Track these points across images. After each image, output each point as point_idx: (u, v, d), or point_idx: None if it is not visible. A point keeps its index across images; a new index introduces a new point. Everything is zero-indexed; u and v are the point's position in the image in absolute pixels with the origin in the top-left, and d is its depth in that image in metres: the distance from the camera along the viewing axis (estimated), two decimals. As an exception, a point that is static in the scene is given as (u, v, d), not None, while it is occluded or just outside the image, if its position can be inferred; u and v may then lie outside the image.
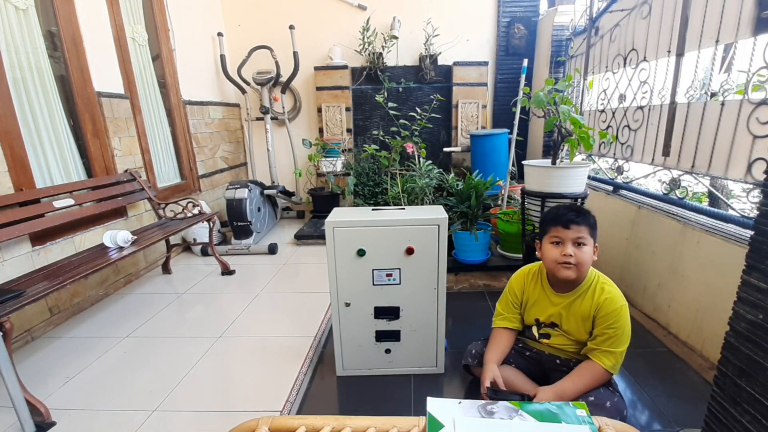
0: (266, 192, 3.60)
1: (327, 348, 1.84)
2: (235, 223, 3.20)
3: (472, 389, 1.53)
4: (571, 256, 1.20)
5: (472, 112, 3.96)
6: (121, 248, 2.06)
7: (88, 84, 2.37)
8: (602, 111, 2.60)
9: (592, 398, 1.18)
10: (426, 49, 3.85)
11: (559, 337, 1.33)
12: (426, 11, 3.87)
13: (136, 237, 2.19)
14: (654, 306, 1.92)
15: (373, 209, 1.60)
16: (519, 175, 3.41)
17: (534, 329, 1.38)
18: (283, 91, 3.89)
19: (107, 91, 2.48)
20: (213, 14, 3.91)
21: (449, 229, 2.09)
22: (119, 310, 2.22)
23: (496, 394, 1.20)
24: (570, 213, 1.24)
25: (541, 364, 1.40)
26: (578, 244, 1.22)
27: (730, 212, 1.66)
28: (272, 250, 3.11)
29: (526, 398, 1.18)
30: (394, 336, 1.59)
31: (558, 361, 1.36)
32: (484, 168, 3.20)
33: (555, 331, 1.33)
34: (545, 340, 1.36)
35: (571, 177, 1.87)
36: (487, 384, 1.24)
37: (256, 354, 1.77)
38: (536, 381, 1.35)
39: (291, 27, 3.57)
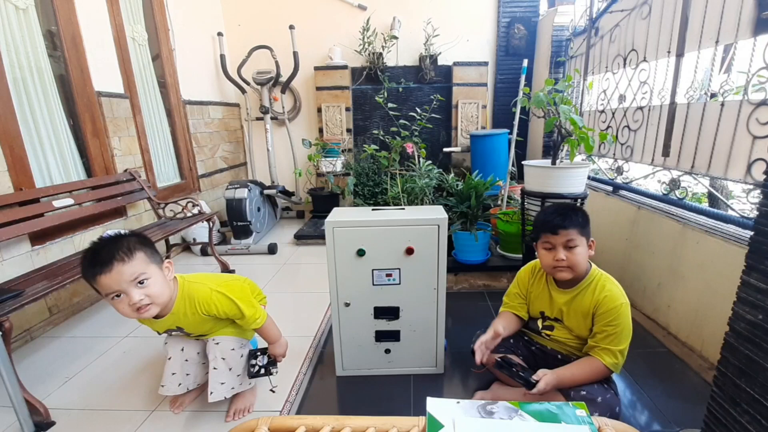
0: (266, 192, 3.60)
1: (327, 348, 1.84)
2: (234, 222, 3.20)
3: (471, 390, 1.53)
4: (563, 260, 1.23)
5: (472, 112, 3.96)
6: (120, 248, 2.06)
7: (88, 84, 2.37)
8: (602, 111, 2.60)
9: (584, 392, 1.19)
10: (426, 49, 3.85)
11: (562, 330, 1.35)
12: (426, 11, 3.87)
13: (135, 237, 2.19)
14: (654, 306, 1.93)
15: (372, 209, 1.60)
16: (519, 176, 3.41)
17: (539, 322, 1.40)
18: (283, 91, 3.89)
19: (107, 91, 2.48)
20: (213, 14, 3.91)
21: (449, 229, 2.09)
22: (119, 310, 2.22)
23: (502, 368, 1.25)
24: (557, 218, 1.24)
25: (545, 358, 1.41)
26: (569, 247, 1.24)
27: (730, 213, 1.66)
28: (272, 250, 3.11)
29: (528, 374, 1.22)
30: (393, 336, 1.59)
31: (560, 357, 1.38)
32: (484, 168, 3.20)
33: (558, 325, 1.36)
34: (548, 332, 1.38)
35: (571, 177, 1.88)
36: (489, 337, 1.30)
37: (256, 354, 1.77)
38: None
39: (291, 27, 3.57)
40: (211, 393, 1.30)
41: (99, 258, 1.03)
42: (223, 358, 1.33)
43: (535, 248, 1.36)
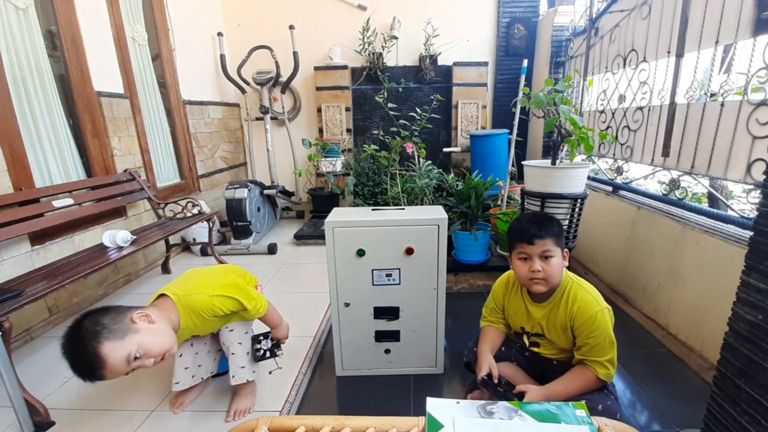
0: (266, 192, 3.60)
1: (326, 348, 1.84)
2: (234, 223, 3.20)
3: (472, 390, 1.53)
4: (539, 271, 1.20)
5: (471, 113, 3.96)
6: (120, 248, 2.06)
7: (88, 84, 2.37)
8: (602, 111, 2.60)
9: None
10: (426, 49, 3.85)
11: (547, 345, 1.33)
12: (426, 11, 3.87)
13: (135, 237, 2.19)
14: (653, 306, 1.93)
15: (372, 209, 1.60)
16: (519, 176, 3.41)
17: (525, 338, 1.39)
18: (282, 91, 3.89)
19: (107, 91, 2.48)
20: (213, 14, 3.91)
21: (449, 229, 2.09)
22: (119, 310, 2.22)
23: (487, 386, 1.21)
24: (533, 227, 1.22)
25: (540, 364, 1.40)
26: (545, 257, 1.21)
27: (730, 213, 1.66)
28: (272, 250, 3.11)
29: (510, 393, 1.18)
30: (393, 336, 1.59)
31: (555, 362, 1.36)
32: (483, 168, 3.21)
33: (542, 341, 1.34)
34: (535, 348, 1.36)
35: (570, 177, 1.88)
36: (483, 374, 1.24)
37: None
38: (536, 379, 1.35)
39: (291, 27, 3.58)
40: (233, 377, 1.35)
41: (83, 373, 1.05)
42: (240, 343, 1.38)
43: (509, 260, 1.33)
